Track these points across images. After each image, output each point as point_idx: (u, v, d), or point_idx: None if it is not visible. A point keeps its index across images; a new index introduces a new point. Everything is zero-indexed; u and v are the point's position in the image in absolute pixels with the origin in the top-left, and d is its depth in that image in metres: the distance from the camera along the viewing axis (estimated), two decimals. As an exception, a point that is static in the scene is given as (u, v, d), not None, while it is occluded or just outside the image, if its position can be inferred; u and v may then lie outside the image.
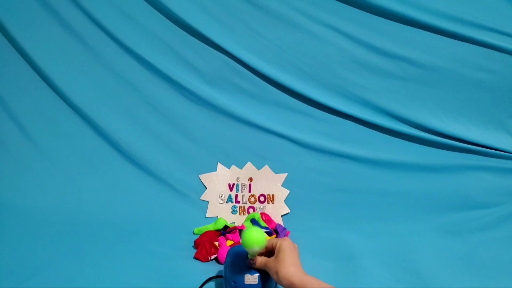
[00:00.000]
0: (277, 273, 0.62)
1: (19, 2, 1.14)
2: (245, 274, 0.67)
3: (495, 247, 0.94)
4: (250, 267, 0.68)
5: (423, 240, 0.97)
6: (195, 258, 0.88)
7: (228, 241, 0.92)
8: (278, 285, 0.72)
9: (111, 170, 1.15)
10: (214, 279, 0.78)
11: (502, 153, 1.11)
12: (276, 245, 0.66)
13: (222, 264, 0.85)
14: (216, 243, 0.91)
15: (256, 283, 0.66)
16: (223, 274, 0.72)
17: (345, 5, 1.11)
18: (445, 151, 1.13)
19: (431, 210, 1.08)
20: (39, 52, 1.15)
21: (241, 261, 0.69)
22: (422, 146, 1.14)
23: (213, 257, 0.87)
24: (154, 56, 1.15)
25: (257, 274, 0.67)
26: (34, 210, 1.07)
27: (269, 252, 0.68)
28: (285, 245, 0.65)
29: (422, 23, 1.08)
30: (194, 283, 0.75)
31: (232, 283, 0.67)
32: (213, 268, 0.83)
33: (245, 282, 0.66)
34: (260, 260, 0.66)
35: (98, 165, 1.16)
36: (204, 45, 1.14)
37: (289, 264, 0.62)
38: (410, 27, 1.09)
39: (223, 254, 0.85)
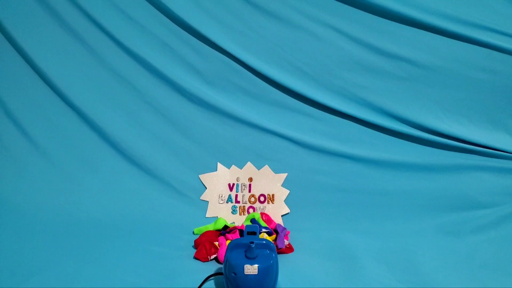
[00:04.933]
0: None
1: (19, 2, 1.14)
2: (244, 264, 0.67)
3: (495, 247, 0.94)
4: (250, 257, 0.69)
5: (423, 240, 0.97)
6: (195, 258, 0.88)
7: (228, 241, 0.92)
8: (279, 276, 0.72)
9: (111, 170, 1.15)
10: (213, 277, 0.78)
11: (502, 153, 1.11)
12: None
13: (222, 264, 0.85)
14: (216, 243, 0.91)
15: (256, 273, 0.67)
16: (222, 269, 0.73)
17: (345, 5, 1.11)
18: (445, 151, 1.13)
19: (431, 210, 1.08)
20: (39, 52, 1.15)
21: (240, 253, 0.70)
22: (422, 146, 1.14)
23: (213, 257, 0.87)
24: (154, 56, 1.15)
25: (257, 265, 0.67)
26: (34, 210, 1.07)
27: None
28: None
29: (422, 23, 1.08)
30: (194, 283, 0.75)
31: (233, 274, 0.68)
32: (213, 268, 0.83)
33: (245, 273, 0.67)
34: None
35: (98, 165, 1.16)
36: (204, 45, 1.15)
37: None
38: (411, 27, 1.09)
39: (223, 254, 0.85)
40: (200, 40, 1.14)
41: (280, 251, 0.90)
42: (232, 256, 0.70)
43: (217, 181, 1.16)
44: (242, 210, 1.13)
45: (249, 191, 1.15)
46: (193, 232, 1.02)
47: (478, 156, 1.12)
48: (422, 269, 0.85)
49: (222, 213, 1.12)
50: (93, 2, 1.14)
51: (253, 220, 1.03)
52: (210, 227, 1.02)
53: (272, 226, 1.04)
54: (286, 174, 1.15)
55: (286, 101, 1.16)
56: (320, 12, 1.11)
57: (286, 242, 0.95)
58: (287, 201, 1.13)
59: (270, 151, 1.16)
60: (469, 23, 1.07)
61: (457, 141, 1.12)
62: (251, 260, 0.68)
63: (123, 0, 1.14)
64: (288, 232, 1.01)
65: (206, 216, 1.12)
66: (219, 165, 1.16)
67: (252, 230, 0.74)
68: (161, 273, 0.80)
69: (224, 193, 1.15)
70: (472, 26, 1.07)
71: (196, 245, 0.92)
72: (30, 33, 1.15)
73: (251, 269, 0.67)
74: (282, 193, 1.14)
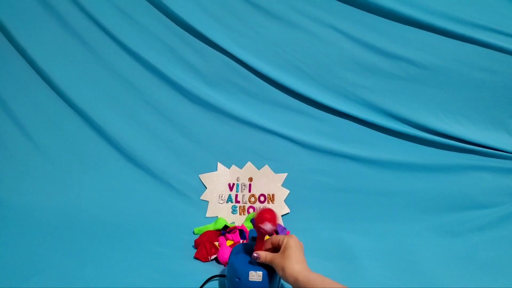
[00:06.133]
0: (283, 269, 0.63)
1: (19, 2, 1.14)
2: (249, 271, 0.67)
3: (495, 247, 0.94)
4: (255, 263, 0.68)
5: (423, 240, 0.97)
6: (195, 258, 0.88)
7: (228, 241, 0.92)
8: (282, 282, 0.72)
9: (111, 170, 1.15)
10: (216, 278, 0.78)
11: (502, 153, 1.11)
12: (282, 241, 0.67)
13: (222, 264, 0.85)
14: (216, 243, 0.91)
15: (260, 280, 0.67)
16: (226, 272, 0.72)
17: (345, 5, 1.11)
18: (445, 151, 1.13)
19: (431, 210, 1.08)
20: (39, 52, 1.15)
21: (245, 258, 0.70)
22: (422, 146, 1.14)
23: (213, 257, 0.87)
24: (154, 56, 1.15)
25: (261, 272, 0.67)
26: (34, 210, 1.07)
27: (274, 248, 0.69)
28: (291, 242, 0.66)
29: (422, 23, 1.08)
30: (194, 283, 0.75)
31: (236, 279, 0.67)
32: (213, 268, 0.83)
33: (249, 279, 0.67)
34: (265, 255, 0.67)
35: (98, 165, 1.16)
36: (204, 45, 1.14)
37: (295, 262, 0.63)
38: (410, 27, 1.09)
39: (223, 254, 0.85)
40: (200, 40, 1.14)
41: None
42: (237, 261, 0.69)
43: (217, 181, 1.16)
44: (242, 210, 1.13)
45: (249, 191, 1.15)
46: (193, 232, 1.02)
47: (478, 156, 1.12)
48: (422, 269, 0.85)
49: (222, 213, 1.12)
50: (94, 2, 1.14)
51: (253, 220, 1.03)
52: (210, 227, 1.02)
53: (272, 226, 1.04)
54: (286, 174, 1.15)
55: (286, 101, 1.16)
56: (320, 12, 1.11)
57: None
58: (287, 201, 1.13)
59: (270, 151, 1.16)
60: (469, 23, 1.07)
61: (457, 141, 1.12)
62: (256, 266, 0.68)
63: (123, 0, 1.14)
64: (288, 232, 1.00)
65: (206, 216, 1.12)
66: (219, 165, 1.16)
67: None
68: (161, 273, 0.80)
69: (224, 193, 1.15)
70: (472, 26, 1.07)
71: (196, 245, 0.92)
72: (31, 33, 1.14)
73: (255, 275, 0.67)
74: (282, 193, 1.14)
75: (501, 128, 1.13)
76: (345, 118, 1.15)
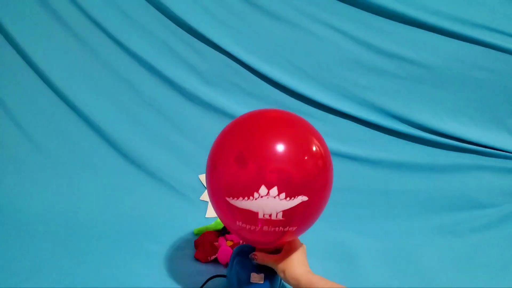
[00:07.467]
0: (284, 272, 0.62)
1: (18, 2, 1.14)
2: (251, 272, 0.67)
3: (495, 247, 0.94)
4: (257, 265, 0.68)
5: (423, 239, 0.97)
6: (195, 258, 0.88)
7: (228, 241, 0.92)
8: (283, 282, 0.72)
9: (110, 170, 1.15)
10: (216, 278, 0.78)
11: (503, 153, 1.11)
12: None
13: (222, 264, 0.85)
14: (216, 244, 0.91)
15: (262, 282, 0.66)
16: (227, 273, 0.72)
17: (345, 5, 1.11)
18: (445, 151, 1.13)
19: (432, 210, 1.08)
20: (39, 52, 1.15)
21: (247, 259, 0.70)
22: (422, 146, 1.14)
23: (213, 257, 0.87)
24: (154, 56, 1.15)
25: (263, 274, 0.67)
26: (34, 210, 1.06)
27: (274, 248, 0.68)
28: (293, 244, 0.65)
29: (422, 23, 1.08)
30: (194, 283, 0.75)
31: (238, 280, 0.67)
32: (213, 269, 0.83)
33: (251, 281, 0.67)
34: (263, 257, 0.66)
35: (98, 165, 1.15)
36: (204, 45, 1.14)
37: (297, 264, 0.63)
38: (410, 27, 1.09)
39: (223, 254, 0.85)
40: (200, 40, 1.14)
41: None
42: (239, 262, 0.69)
43: (217, 181, 1.15)
44: (242, 210, 1.13)
45: (249, 191, 1.15)
46: (193, 233, 1.02)
47: (478, 156, 1.12)
48: (422, 269, 0.85)
49: (222, 213, 1.12)
50: (93, 2, 1.14)
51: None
52: (210, 227, 1.02)
53: (272, 226, 1.04)
54: (286, 174, 1.15)
55: (286, 101, 1.16)
56: (320, 12, 1.11)
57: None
58: (287, 201, 1.13)
59: (270, 151, 1.16)
60: (469, 23, 1.07)
61: (458, 141, 1.12)
62: (258, 268, 0.68)
63: (123, 0, 1.14)
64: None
65: (206, 216, 1.12)
66: (219, 165, 1.16)
67: None
68: (161, 273, 0.80)
69: (224, 193, 1.14)
70: (472, 26, 1.07)
71: (196, 245, 0.92)
72: (30, 33, 1.14)
73: (257, 277, 0.66)
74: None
75: (501, 127, 1.13)
76: (345, 118, 1.15)
